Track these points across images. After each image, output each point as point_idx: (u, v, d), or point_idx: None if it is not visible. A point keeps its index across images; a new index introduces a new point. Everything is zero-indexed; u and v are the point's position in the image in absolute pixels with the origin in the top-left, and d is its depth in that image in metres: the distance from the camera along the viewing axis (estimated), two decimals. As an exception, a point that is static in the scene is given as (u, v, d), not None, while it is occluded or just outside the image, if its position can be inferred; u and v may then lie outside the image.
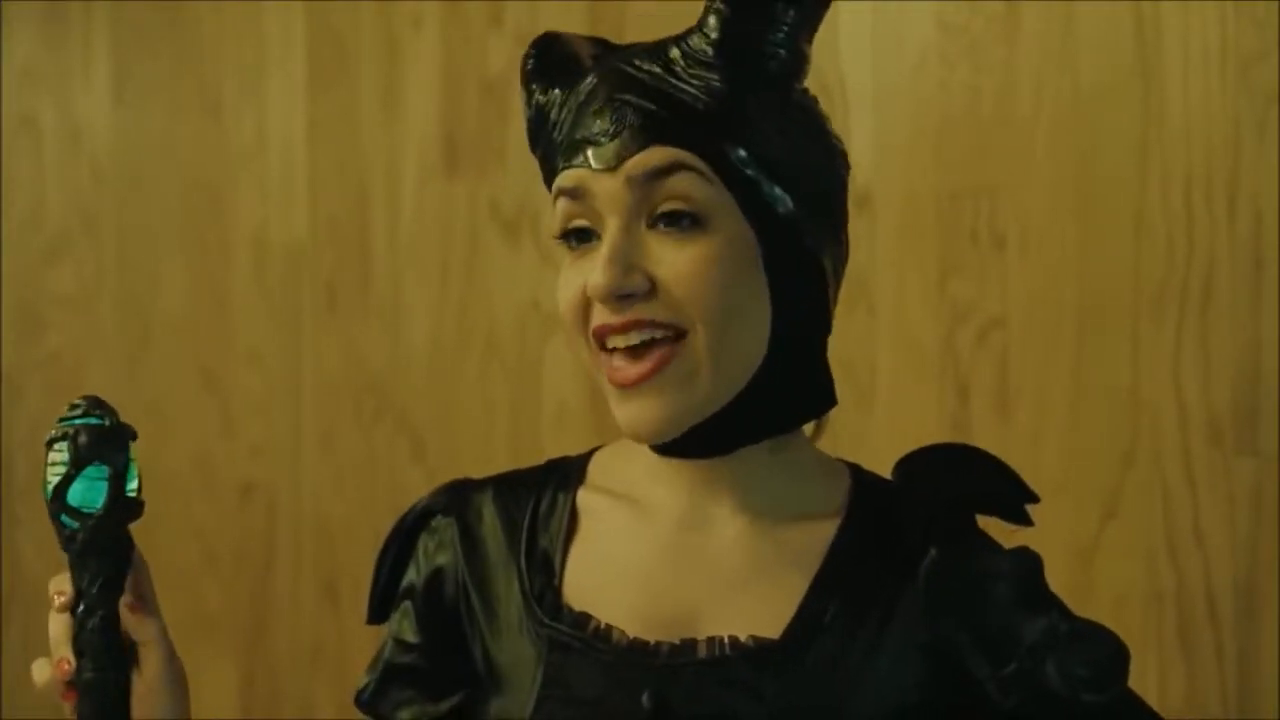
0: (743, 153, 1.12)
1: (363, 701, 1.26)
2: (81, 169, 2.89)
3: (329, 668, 2.49)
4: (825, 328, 1.19)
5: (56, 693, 1.17)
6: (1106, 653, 1.12)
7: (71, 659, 1.16)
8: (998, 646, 1.11)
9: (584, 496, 1.23)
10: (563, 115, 1.17)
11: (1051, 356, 1.77)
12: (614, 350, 1.13)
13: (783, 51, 1.14)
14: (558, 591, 1.18)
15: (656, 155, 1.11)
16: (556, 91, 1.18)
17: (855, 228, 1.87)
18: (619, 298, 1.11)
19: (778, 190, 1.13)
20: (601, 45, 1.22)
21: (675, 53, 1.14)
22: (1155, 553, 1.71)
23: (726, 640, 1.13)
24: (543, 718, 1.15)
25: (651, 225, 1.12)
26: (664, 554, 1.18)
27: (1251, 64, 1.65)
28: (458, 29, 2.34)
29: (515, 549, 1.21)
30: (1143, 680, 1.68)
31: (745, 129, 1.12)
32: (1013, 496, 1.17)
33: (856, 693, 1.12)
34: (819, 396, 1.19)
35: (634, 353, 1.12)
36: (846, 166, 1.20)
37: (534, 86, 1.20)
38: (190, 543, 2.70)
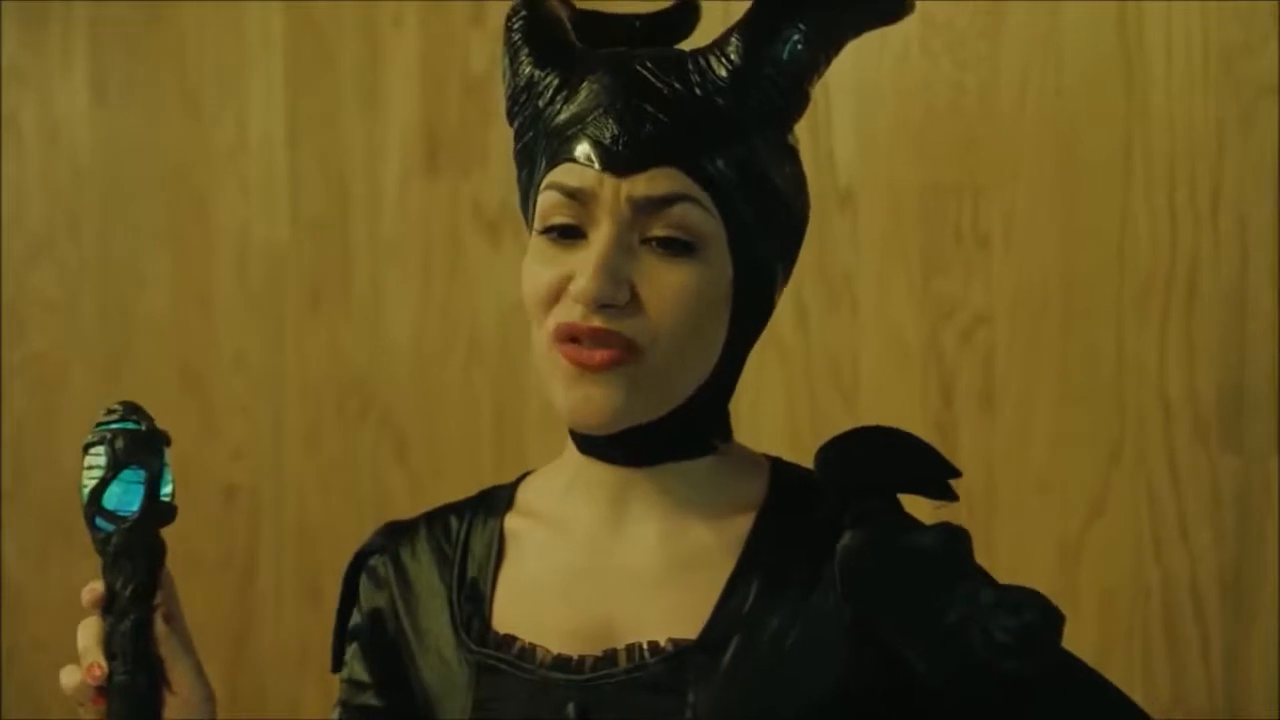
0: (742, 191, 1.12)
1: None
2: (62, 169, 2.88)
3: (314, 670, 2.48)
4: (743, 362, 1.20)
5: (85, 697, 1.17)
6: (1033, 617, 1.09)
7: (103, 663, 1.16)
8: (921, 623, 1.10)
9: (511, 521, 1.23)
10: (560, 102, 1.15)
11: (1036, 353, 1.77)
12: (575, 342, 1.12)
13: (792, 88, 1.14)
14: (485, 618, 1.19)
15: (664, 183, 1.11)
16: (553, 73, 1.16)
17: (839, 225, 1.88)
18: (600, 306, 1.11)
19: (765, 234, 1.14)
20: (578, 13, 1.21)
21: (691, 69, 1.13)
22: (1141, 549, 1.71)
23: (646, 646, 1.13)
24: None
25: (644, 240, 1.12)
26: (581, 567, 1.18)
27: (1234, 58, 1.64)
28: (439, 27, 2.33)
29: (446, 580, 1.22)
30: (1129, 676, 1.69)
31: (749, 166, 1.13)
32: (933, 473, 1.17)
33: (781, 684, 1.12)
34: (719, 429, 1.20)
35: (593, 340, 1.11)
36: (809, 212, 1.21)
37: (524, 57, 1.18)
38: (173, 545, 2.67)
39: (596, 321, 1.11)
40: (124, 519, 1.18)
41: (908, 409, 1.85)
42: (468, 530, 1.24)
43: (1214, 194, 1.65)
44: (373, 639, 1.25)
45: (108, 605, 1.18)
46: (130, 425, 1.19)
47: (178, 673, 1.18)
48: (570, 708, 1.13)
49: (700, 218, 1.11)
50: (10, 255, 2.92)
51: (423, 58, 2.35)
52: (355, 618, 1.26)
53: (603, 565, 1.18)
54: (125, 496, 1.18)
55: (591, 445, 1.18)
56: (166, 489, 1.19)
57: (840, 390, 1.88)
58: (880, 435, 1.19)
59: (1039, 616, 1.10)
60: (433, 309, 2.35)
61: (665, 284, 1.11)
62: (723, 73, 1.12)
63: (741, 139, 1.13)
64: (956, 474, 1.17)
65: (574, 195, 1.12)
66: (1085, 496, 1.74)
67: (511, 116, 1.20)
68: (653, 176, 1.10)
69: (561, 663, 1.15)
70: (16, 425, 2.84)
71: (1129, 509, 1.71)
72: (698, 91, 1.12)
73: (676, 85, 1.12)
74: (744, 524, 1.17)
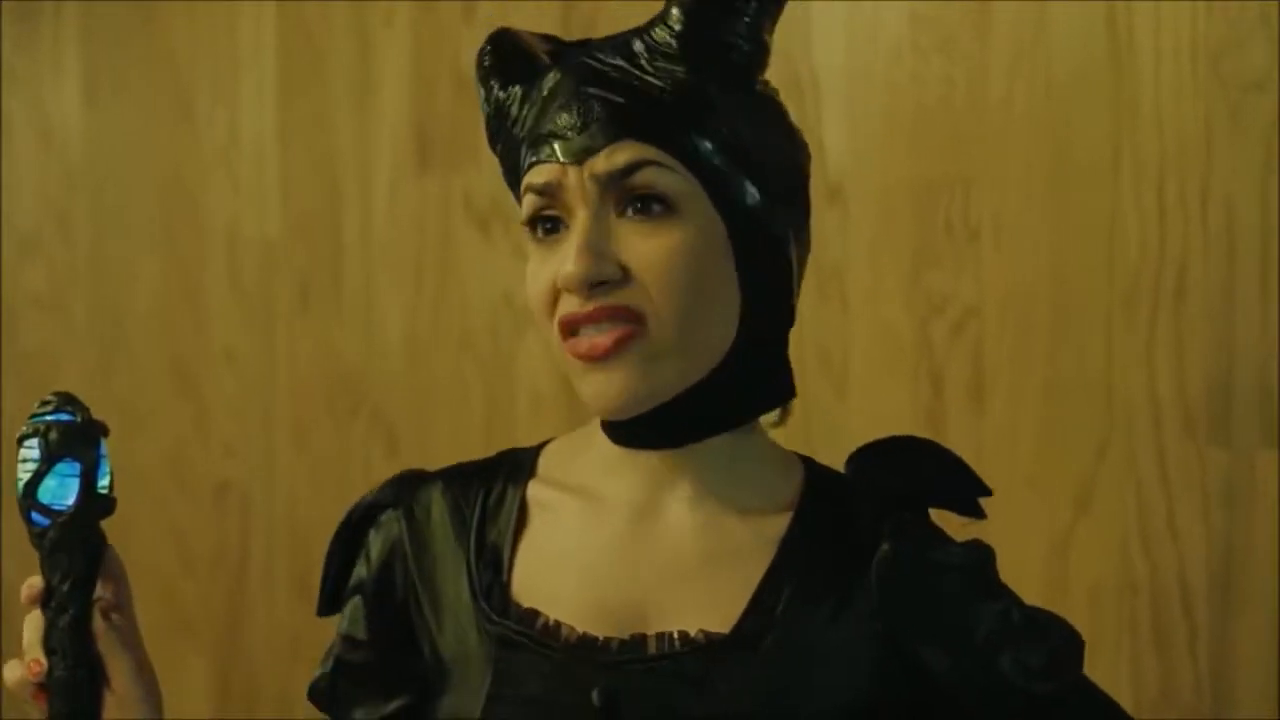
0: (709, 144, 1.12)
1: (315, 696, 1.25)
2: (53, 168, 2.88)
3: (305, 665, 2.46)
4: (789, 319, 1.19)
5: (27, 693, 1.17)
6: (1060, 641, 1.12)
7: (43, 659, 1.16)
8: (951, 638, 1.11)
9: (534, 489, 1.21)
10: (524, 111, 1.17)
11: (1025, 348, 1.77)
12: (578, 331, 1.12)
13: (744, 43, 1.14)
14: (506, 587, 1.17)
15: (623, 154, 1.11)
16: (516, 88, 1.18)
17: (829, 219, 1.88)
18: (591, 286, 1.10)
19: (745, 181, 1.13)
20: (556, 41, 1.22)
21: (639, 46, 1.14)
22: (1129, 544, 1.71)
23: (676, 635, 1.12)
24: (492, 716, 1.14)
25: (621, 213, 1.12)
26: (615, 548, 1.17)
27: (1222, 55, 1.65)
28: (429, 25, 2.34)
29: (464, 543, 1.20)
30: (1116, 672, 1.69)
31: (711, 120, 1.12)
32: (965, 490, 1.18)
33: (808, 687, 1.11)
34: (778, 388, 1.19)
35: (595, 323, 1.11)
36: (808, 158, 1.20)
37: (492, 83, 1.19)
38: (165, 542, 2.69)
39: (593, 305, 1.10)
40: (59, 513, 1.16)
41: (897, 402, 1.85)
42: (487, 493, 1.22)
43: (1202, 190, 1.66)
44: (378, 596, 1.22)
45: (46, 600, 1.16)
46: (64, 417, 1.17)
47: (115, 670, 1.17)
48: (595, 693, 1.11)
49: (668, 178, 1.11)
50: (2, 254, 2.92)
51: (413, 55, 2.36)
52: (361, 572, 1.23)
53: (637, 548, 1.16)
54: (60, 490, 1.16)
55: (624, 436, 1.17)
56: (104, 481, 1.18)
57: (831, 383, 1.88)
58: (914, 445, 1.19)
59: (1065, 642, 1.12)
60: (423, 306, 2.36)
61: (650, 249, 1.10)
62: (669, 39, 1.13)
63: (700, 99, 1.12)
64: (987, 492, 1.17)
65: (545, 192, 1.13)
66: (1073, 491, 1.74)
67: (493, 144, 1.21)
68: (610, 152, 1.11)
69: (587, 643, 1.13)
70: (9, 424, 2.84)
71: (1117, 504, 1.72)
72: (646, 65, 1.13)
73: (623, 64, 1.13)
74: (780, 523, 1.16)
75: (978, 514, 1.18)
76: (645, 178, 1.11)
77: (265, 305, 2.56)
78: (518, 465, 1.24)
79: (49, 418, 1.17)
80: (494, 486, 1.22)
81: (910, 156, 1.85)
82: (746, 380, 1.16)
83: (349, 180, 2.44)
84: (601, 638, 1.13)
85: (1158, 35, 1.69)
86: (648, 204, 1.11)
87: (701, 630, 1.12)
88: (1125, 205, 1.71)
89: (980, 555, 1.14)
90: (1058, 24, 1.75)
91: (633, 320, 1.10)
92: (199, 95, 2.65)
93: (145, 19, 2.72)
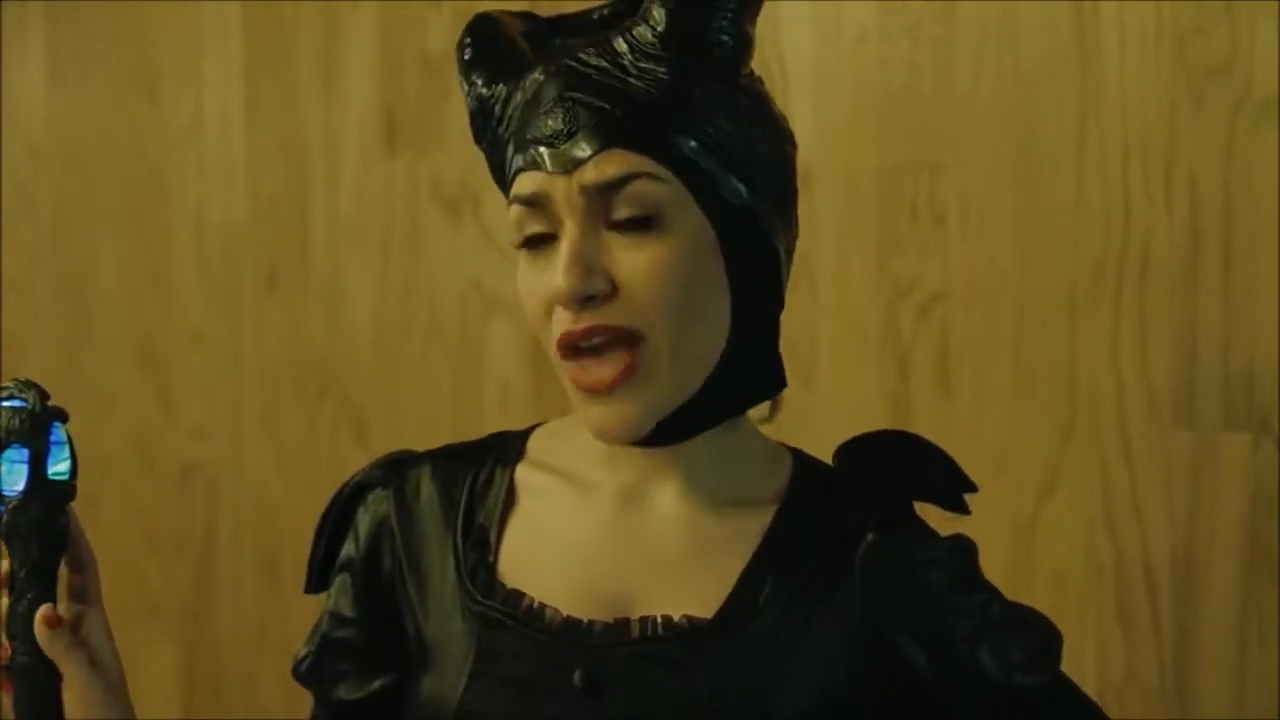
0: (694, 144, 1.11)
1: (300, 673, 1.25)
2: (17, 148, 2.86)
3: (272, 649, 2.48)
4: (778, 308, 1.19)
5: None
6: (1040, 637, 1.12)
7: (7, 645, 1.15)
8: (932, 632, 1.11)
9: (523, 472, 1.22)
10: (509, 111, 1.16)
11: (991, 332, 1.78)
12: (579, 355, 1.12)
13: (728, 38, 1.13)
14: (492, 568, 1.17)
15: (612, 165, 1.10)
16: (501, 86, 1.17)
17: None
18: (581, 301, 1.10)
19: (732, 179, 1.13)
20: (533, 20, 1.21)
21: (622, 46, 1.13)
22: (1094, 527, 1.72)
23: (660, 620, 1.13)
24: (473, 696, 1.14)
25: (611, 225, 1.11)
26: (603, 533, 1.17)
27: (1187, 40, 1.65)
28: (396, 6, 2.33)
29: (451, 524, 1.20)
30: (1081, 653, 1.70)
31: (696, 120, 1.12)
32: (950, 485, 1.17)
33: (789, 674, 1.12)
34: (768, 380, 1.19)
35: (596, 353, 1.11)
36: (794, 146, 1.20)
37: (475, 78, 1.18)
38: (130, 524, 2.68)
39: (585, 321, 1.10)
40: (9, 499, 1.16)
41: (865, 388, 1.86)
42: (476, 474, 1.22)
43: (1166, 175, 1.67)
44: (366, 574, 1.22)
45: (11, 586, 1.16)
46: (15, 403, 1.17)
47: (67, 664, 1.16)
48: (578, 675, 1.12)
49: (656, 190, 1.10)
50: (-35, 235, 2.90)
51: (381, 37, 2.35)
52: (349, 550, 1.23)
53: (624, 535, 1.17)
54: (9, 476, 1.16)
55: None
56: (59, 467, 1.17)
57: (798, 369, 1.89)
58: (901, 439, 1.19)
59: (1045, 637, 1.13)
60: (392, 289, 2.35)
61: (640, 265, 1.10)
62: (651, 39, 1.12)
63: (685, 100, 1.12)
64: (973, 488, 1.17)
65: (533, 202, 1.13)
66: (1039, 473, 1.75)
67: (478, 140, 1.20)
68: (598, 162, 1.10)
69: (571, 625, 1.14)
70: (-27, 406, 2.82)
71: (1082, 486, 1.72)
72: (629, 66, 1.12)
73: (607, 65, 1.12)
74: (765, 516, 1.17)
75: (962, 509, 1.17)
76: (635, 190, 1.10)
77: (232, 287, 2.55)
78: (507, 447, 1.24)
79: (1, 404, 1.17)
80: (483, 468, 1.22)
81: (877, 142, 1.86)
82: (739, 377, 1.16)
83: (316, 162, 2.43)
84: (586, 620, 1.14)
85: (1123, 21, 1.69)
86: (637, 217, 1.10)
87: (685, 615, 1.13)
88: (1090, 190, 1.72)
89: (963, 549, 1.14)
90: (1024, 10, 1.75)
91: (631, 344, 1.10)
92: (164, 75, 2.64)
93: (110, -2, 2.70)
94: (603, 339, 1.11)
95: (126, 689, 1.19)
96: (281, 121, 2.47)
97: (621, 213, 1.10)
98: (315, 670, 1.24)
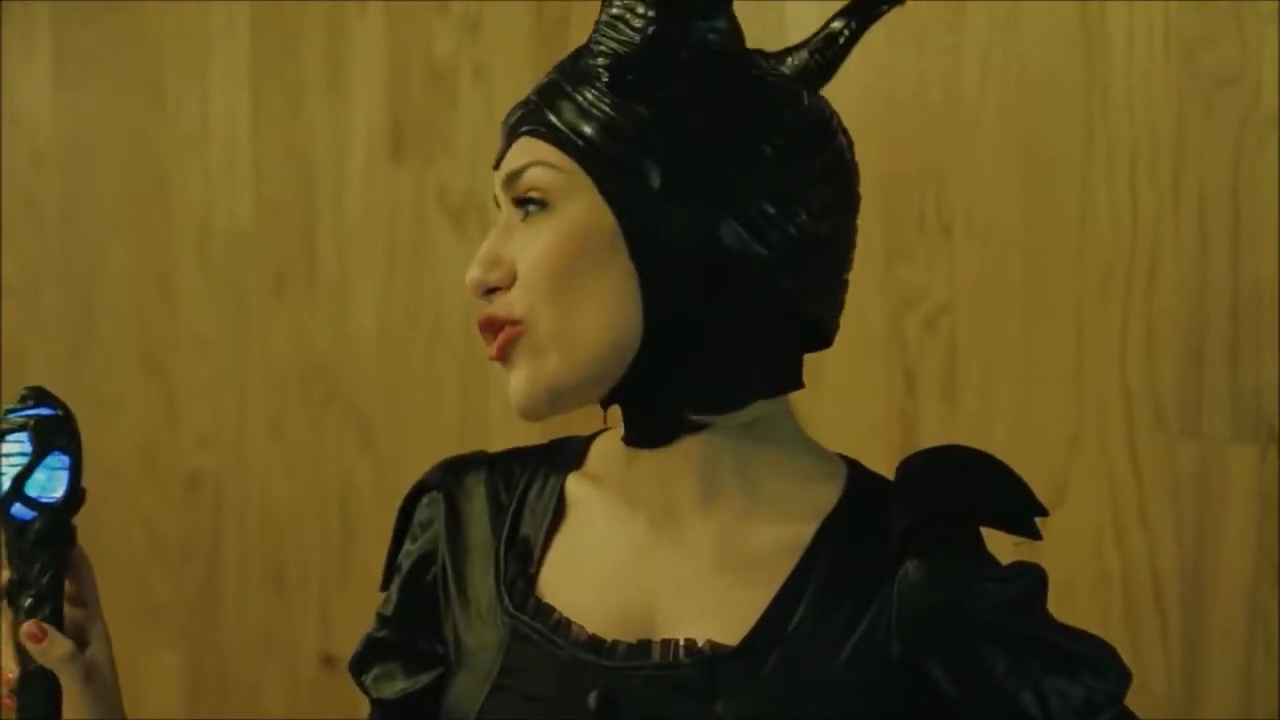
0: (592, 130, 1.10)
1: (350, 669, 1.26)
2: (22, 153, 2.86)
3: (277, 657, 2.47)
4: (770, 303, 1.13)
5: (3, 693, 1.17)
6: (1092, 681, 1.08)
7: (14, 666, 1.16)
8: (966, 665, 1.08)
9: (573, 483, 1.21)
10: None
11: (998, 342, 1.78)
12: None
13: (649, 25, 1.12)
14: (531, 580, 1.17)
15: (519, 155, 1.13)
16: None
17: (802, 214, 1.88)
18: (483, 292, 1.13)
19: (650, 165, 1.10)
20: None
21: (594, 49, 1.14)
22: (1101, 537, 1.71)
23: (682, 644, 1.11)
24: (492, 708, 1.14)
25: (524, 218, 1.13)
26: (634, 550, 1.15)
27: (1195, 47, 1.65)
28: (404, 13, 2.33)
29: (497, 532, 1.20)
30: (1089, 664, 1.70)
31: (598, 107, 1.11)
32: (1017, 508, 1.13)
33: (816, 706, 1.09)
34: (766, 376, 1.15)
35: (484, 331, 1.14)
36: (780, 135, 1.15)
37: None
38: (136, 532, 2.68)
39: (485, 312, 1.13)
40: (47, 505, 1.17)
41: (871, 397, 1.86)
42: (528, 483, 1.21)
43: (1174, 185, 1.66)
44: (410, 578, 1.23)
45: (13, 595, 1.17)
46: (47, 411, 1.19)
47: (66, 681, 1.17)
48: (593, 696, 1.10)
49: (547, 176, 1.11)
50: (-30, 241, 2.90)
51: (387, 44, 2.35)
52: (405, 551, 1.24)
53: (655, 551, 1.15)
54: (49, 483, 1.18)
55: (631, 437, 1.16)
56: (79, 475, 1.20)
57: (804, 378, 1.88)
58: (968, 458, 1.15)
59: (1099, 680, 1.08)
60: (397, 295, 2.35)
61: (531, 249, 1.12)
62: (596, 31, 1.14)
63: (602, 86, 1.11)
64: (1043, 512, 1.12)
65: (497, 201, 1.17)
66: (1046, 484, 1.74)
67: None
68: (514, 154, 1.14)
69: (593, 644, 1.12)
70: (-22, 411, 2.83)
71: (1089, 496, 1.72)
72: (571, 64, 1.14)
73: (563, 66, 1.15)
74: (807, 531, 1.13)
75: (1032, 534, 1.13)
76: (529, 177, 1.12)
77: (237, 294, 2.55)
78: (566, 454, 1.23)
79: (30, 412, 1.18)
80: (536, 477, 1.22)
81: (883, 151, 1.85)
82: (682, 371, 1.12)
83: (322, 168, 2.43)
84: (610, 640, 1.12)
85: (1130, 30, 1.69)
86: (530, 199, 1.12)
87: (708, 641, 1.10)
88: (1098, 200, 1.71)
89: (1025, 578, 1.10)
90: (1030, 18, 1.75)
91: (507, 326, 1.12)
92: (170, 80, 2.64)
93: (116, 2, 2.70)
94: (490, 332, 1.13)
95: (120, 700, 1.20)
96: (287, 128, 2.47)
97: (520, 198, 1.13)
98: (361, 667, 1.25)
